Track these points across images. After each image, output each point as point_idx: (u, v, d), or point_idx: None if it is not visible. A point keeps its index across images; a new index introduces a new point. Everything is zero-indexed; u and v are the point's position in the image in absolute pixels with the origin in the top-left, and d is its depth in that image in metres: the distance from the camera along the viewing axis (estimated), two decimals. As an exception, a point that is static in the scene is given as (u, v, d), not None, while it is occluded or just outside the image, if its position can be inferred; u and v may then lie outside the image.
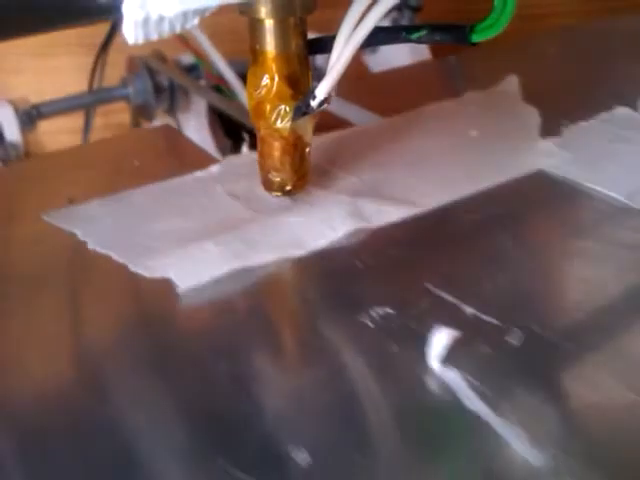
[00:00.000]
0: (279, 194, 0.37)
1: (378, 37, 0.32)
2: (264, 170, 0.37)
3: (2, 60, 0.95)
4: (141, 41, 0.25)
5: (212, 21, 0.32)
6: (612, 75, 0.56)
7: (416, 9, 0.96)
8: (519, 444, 0.23)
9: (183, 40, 0.89)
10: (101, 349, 0.29)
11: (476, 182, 0.39)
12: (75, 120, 0.95)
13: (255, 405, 0.25)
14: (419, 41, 0.32)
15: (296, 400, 0.26)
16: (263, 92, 0.34)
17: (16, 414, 0.26)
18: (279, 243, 0.34)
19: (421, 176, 0.40)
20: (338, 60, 0.32)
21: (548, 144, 0.42)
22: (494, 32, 0.30)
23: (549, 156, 0.41)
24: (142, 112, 1.00)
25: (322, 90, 0.33)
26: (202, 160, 0.43)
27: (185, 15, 0.26)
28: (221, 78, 0.84)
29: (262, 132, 0.36)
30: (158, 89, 0.96)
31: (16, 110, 0.85)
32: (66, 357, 0.29)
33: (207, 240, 0.34)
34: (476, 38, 0.31)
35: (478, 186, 0.38)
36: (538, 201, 0.38)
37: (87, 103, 0.94)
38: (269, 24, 0.33)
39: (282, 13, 0.33)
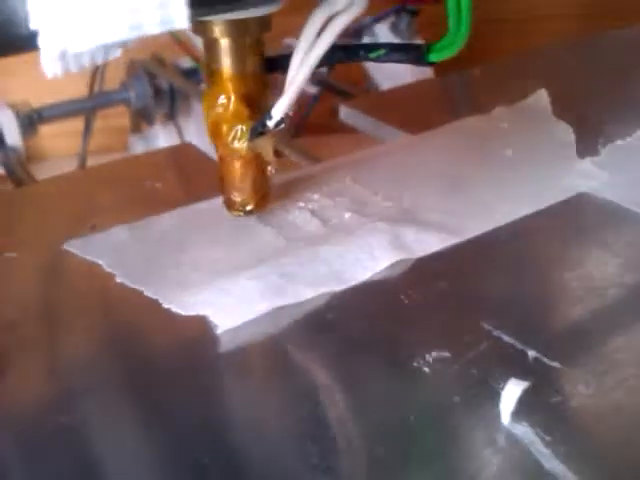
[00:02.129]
0: (240, 214, 0.36)
1: (336, 55, 0.32)
2: (225, 190, 0.36)
3: (1, 63, 0.93)
4: (60, 74, 0.24)
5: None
6: (637, 87, 0.54)
7: (414, 13, 0.95)
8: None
9: (182, 44, 0.87)
10: (130, 396, 0.27)
11: (517, 207, 0.37)
12: (74, 123, 0.93)
13: (305, 458, 0.23)
14: (377, 60, 0.32)
15: (345, 457, 0.24)
16: (220, 112, 0.34)
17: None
18: (317, 276, 0.32)
19: (457, 201, 0.38)
20: (295, 79, 0.31)
21: (587, 165, 0.40)
22: (450, 52, 0.30)
23: (589, 177, 0.39)
24: (142, 116, 0.99)
25: (278, 110, 0.32)
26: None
27: (106, 47, 0.25)
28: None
29: (221, 152, 0.35)
30: (158, 93, 0.95)
31: (17, 114, 0.84)
32: (90, 403, 0.27)
33: (241, 273, 0.32)
34: (433, 58, 0.31)
35: (518, 212, 0.37)
36: (583, 226, 0.36)
37: (88, 107, 0.92)
38: (224, 43, 0.32)
39: (237, 32, 0.32)
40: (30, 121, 0.86)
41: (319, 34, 0.30)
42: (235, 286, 0.31)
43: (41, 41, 0.23)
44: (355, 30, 0.93)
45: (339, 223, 0.36)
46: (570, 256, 0.34)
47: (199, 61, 0.92)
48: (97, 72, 0.92)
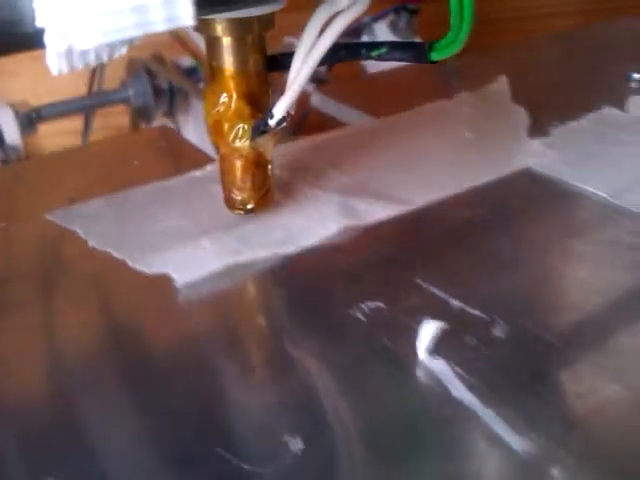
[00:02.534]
0: (241, 212, 0.37)
1: (339, 54, 0.32)
2: (226, 188, 0.36)
3: (1, 62, 0.96)
4: (65, 72, 0.24)
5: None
6: (600, 76, 0.57)
7: (413, 12, 0.97)
8: (504, 431, 0.24)
9: (182, 43, 0.90)
10: (101, 342, 0.30)
11: (464, 181, 0.40)
12: (74, 122, 0.96)
13: (247, 398, 0.26)
14: (379, 58, 0.32)
15: (288, 391, 0.27)
16: (221, 110, 0.34)
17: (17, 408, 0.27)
18: (272, 240, 0.35)
19: (412, 175, 0.41)
20: (296, 78, 0.31)
21: (536, 144, 0.43)
22: (453, 50, 0.30)
23: (537, 156, 0.42)
24: (142, 114, 1.01)
25: (280, 109, 0.32)
26: (199, 160, 0.44)
27: (112, 45, 0.25)
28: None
29: (222, 150, 0.35)
30: (157, 91, 0.97)
31: (16, 113, 0.86)
32: (65, 352, 0.30)
33: (203, 238, 0.35)
34: (435, 56, 0.31)
35: (466, 184, 0.39)
36: (526, 199, 0.39)
37: (87, 106, 0.95)
38: (226, 42, 0.33)
39: (239, 30, 0.32)
40: (29, 120, 0.88)
41: (321, 33, 0.30)
42: (196, 247, 0.34)
43: (47, 39, 0.23)
44: (354, 29, 0.95)
45: (298, 195, 0.39)
46: (510, 224, 0.37)
47: (199, 60, 0.95)
48: (96, 71, 0.94)
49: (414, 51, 0.31)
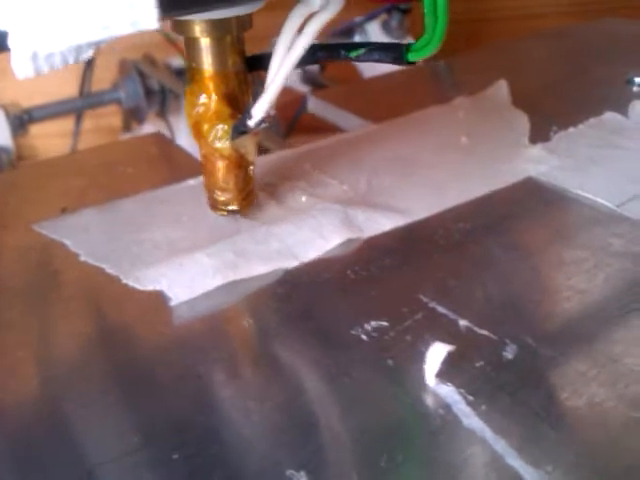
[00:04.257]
0: (224, 213, 0.36)
1: (317, 55, 0.32)
2: (209, 189, 0.36)
3: (-9, 64, 0.95)
4: (31, 75, 0.24)
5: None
6: (598, 78, 0.56)
7: (405, 11, 0.96)
8: (518, 464, 0.23)
9: (173, 43, 0.89)
10: (89, 361, 0.29)
11: (466, 191, 0.39)
12: (66, 123, 0.95)
13: (249, 421, 0.25)
14: (357, 59, 0.32)
15: (288, 413, 0.26)
16: (201, 111, 0.34)
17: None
18: (270, 253, 0.34)
19: (411, 184, 0.40)
20: (274, 79, 0.31)
21: (537, 150, 0.42)
22: (429, 51, 0.30)
23: (538, 163, 0.41)
24: (133, 115, 1.01)
25: (259, 109, 0.32)
26: (194, 168, 0.43)
27: (78, 48, 0.24)
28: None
29: (204, 151, 0.35)
30: (149, 92, 0.96)
31: (7, 114, 0.85)
32: (52, 371, 0.28)
33: (198, 250, 0.34)
34: (412, 57, 0.31)
35: (468, 195, 0.38)
36: (528, 209, 0.38)
37: (79, 107, 0.94)
38: (205, 42, 0.32)
39: (218, 31, 0.32)
40: (20, 121, 0.87)
41: (298, 33, 0.30)
42: (190, 262, 0.33)
43: (11, 42, 0.23)
44: (347, 28, 0.95)
45: (295, 205, 0.38)
46: (513, 236, 0.36)
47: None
48: (87, 72, 0.93)
49: (392, 52, 0.31)
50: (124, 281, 0.32)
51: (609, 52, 0.62)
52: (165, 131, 1.02)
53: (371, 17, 0.96)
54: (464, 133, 0.44)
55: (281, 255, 0.34)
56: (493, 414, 0.25)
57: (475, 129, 0.45)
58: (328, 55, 0.32)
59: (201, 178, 0.40)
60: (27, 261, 0.35)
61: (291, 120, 0.92)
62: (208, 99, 0.33)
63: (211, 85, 0.33)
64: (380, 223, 0.36)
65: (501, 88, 0.50)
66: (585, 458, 0.23)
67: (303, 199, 0.38)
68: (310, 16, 0.29)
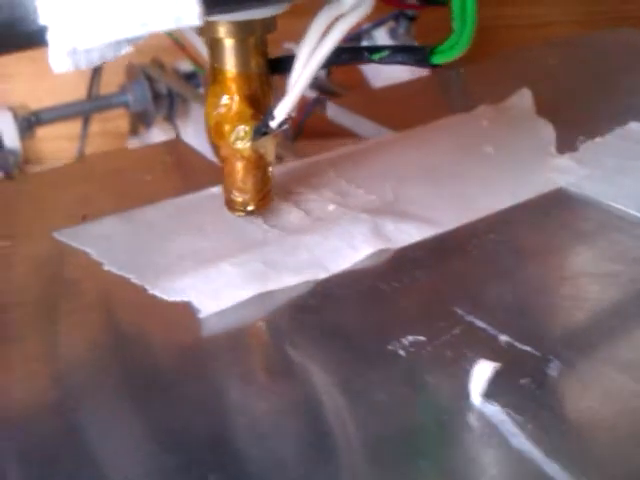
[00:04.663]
0: (242, 214, 0.36)
1: (341, 57, 0.32)
2: (227, 190, 0.36)
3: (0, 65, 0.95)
4: (69, 71, 0.24)
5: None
6: (622, 88, 0.55)
7: (412, 18, 0.96)
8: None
9: (182, 48, 0.88)
10: (116, 379, 0.28)
11: (496, 201, 0.38)
12: (73, 126, 0.94)
13: (284, 438, 0.24)
14: (381, 62, 0.32)
15: (322, 433, 0.25)
16: (222, 112, 0.34)
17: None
18: (299, 264, 0.33)
19: (439, 194, 0.39)
20: (298, 80, 0.31)
21: (565, 160, 0.41)
22: (454, 54, 0.30)
23: (567, 173, 0.40)
24: (141, 119, 1.00)
25: (281, 111, 0.32)
26: (214, 174, 0.42)
27: (116, 44, 0.24)
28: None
29: (223, 152, 0.35)
30: (157, 96, 0.96)
31: (15, 117, 0.85)
32: (73, 383, 0.28)
33: (225, 260, 0.33)
34: (436, 60, 0.31)
35: (498, 205, 0.38)
36: (559, 220, 0.37)
37: (87, 110, 0.93)
38: (228, 43, 0.32)
39: (242, 32, 0.32)
40: (28, 123, 0.86)
41: (323, 35, 0.30)
42: (218, 273, 0.32)
43: (50, 37, 0.23)
44: (355, 35, 0.94)
45: (322, 214, 0.37)
46: (546, 248, 0.35)
47: (199, 65, 0.93)
48: (96, 75, 0.93)
49: (415, 55, 0.31)
50: (150, 291, 0.32)
51: (628, 61, 0.62)
52: (172, 135, 1.02)
53: (378, 24, 0.95)
54: (489, 142, 0.44)
55: (311, 266, 0.33)
56: (541, 434, 0.24)
57: (500, 138, 0.44)
58: (352, 57, 0.33)
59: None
60: (48, 270, 0.34)
61: (298, 124, 0.92)
62: (230, 100, 0.33)
63: (234, 86, 0.33)
64: (410, 233, 0.35)
65: (524, 96, 0.50)
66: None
67: (330, 208, 0.37)
68: (335, 18, 0.29)
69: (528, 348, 0.27)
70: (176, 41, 0.86)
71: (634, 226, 0.36)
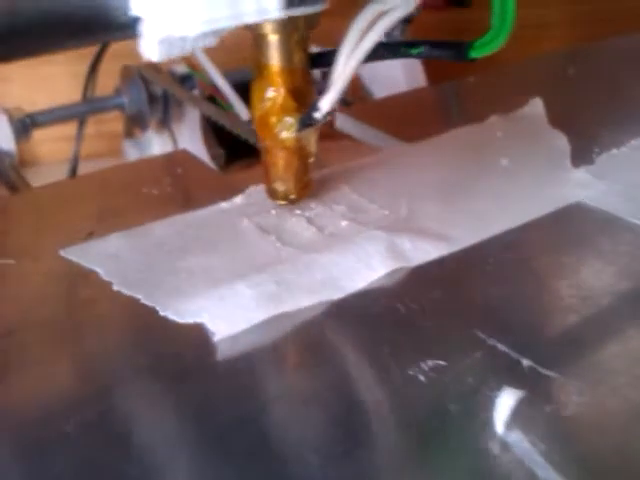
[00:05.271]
0: (283, 203, 0.38)
1: (380, 52, 0.33)
2: (268, 180, 0.38)
3: (-5, 69, 0.94)
4: (163, 58, 0.26)
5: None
6: (630, 97, 0.54)
7: (407, 21, 0.95)
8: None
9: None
10: (126, 402, 0.27)
11: (512, 217, 0.37)
12: (68, 128, 0.93)
13: (299, 467, 0.23)
14: (419, 56, 0.33)
15: (339, 465, 0.24)
16: (268, 105, 0.35)
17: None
18: (315, 284, 0.32)
19: (455, 210, 0.38)
20: (341, 74, 0.32)
21: (582, 174, 0.41)
22: (492, 49, 0.31)
23: (585, 187, 0.39)
24: (136, 121, 0.99)
25: (326, 103, 0.33)
26: (221, 187, 0.41)
27: (204, 35, 0.26)
28: (215, 88, 0.82)
29: (267, 143, 0.36)
30: (152, 99, 0.95)
31: (10, 119, 0.84)
32: (88, 410, 0.27)
33: (238, 280, 0.32)
34: (474, 54, 0.32)
35: (515, 221, 0.37)
36: (579, 236, 0.36)
37: (82, 112, 0.92)
38: (274, 39, 0.34)
39: (287, 29, 0.33)
40: (24, 126, 0.86)
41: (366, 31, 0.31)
42: (232, 293, 0.31)
43: (144, 27, 0.25)
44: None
45: (336, 231, 0.36)
46: (565, 265, 0.34)
47: (194, 68, 0.92)
48: (91, 77, 0.92)
49: (453, 49, 0.32)
50: (162, 313, 0.31)
51: (629, 67, 0.61)
52: (167, 137, 1.01)
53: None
54: (503, 154, 0.43)
55: (326, 286, 0.32)
56: (569, 465, 0.23)
57: (514, 150, 0.43)
58: (390, 52, 0.34)
59: (234, 201, 0.39)
60: (56, 290, 0.33)
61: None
62: (275, 93, 0.35)
63: (279, 80, 0.34)
64: (427, 251, 0.34)
65: (536, 106, 0.49)
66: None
67: (343, 224, 0.36)
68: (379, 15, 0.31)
69: (551, 373, 0.27)
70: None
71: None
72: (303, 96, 0.35)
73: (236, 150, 0.82)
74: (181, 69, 0.95)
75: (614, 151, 0.43)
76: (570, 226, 0.37)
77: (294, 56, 0.34)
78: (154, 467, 0.24)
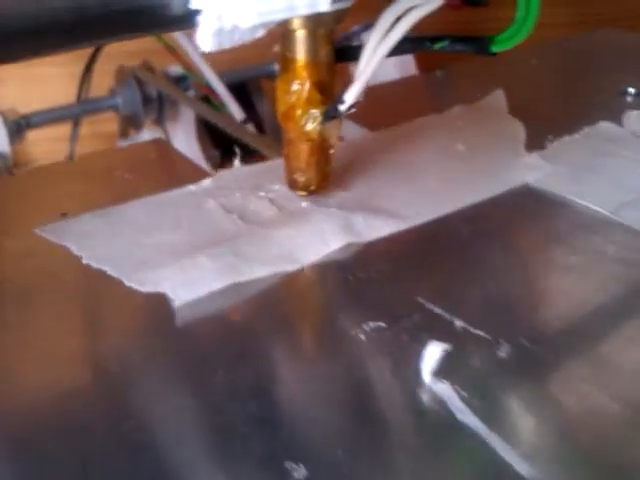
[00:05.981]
0: (304, 193, 0.39)
1: (403, 46, 0.34)
2: (290, 171, 0.39)
3: (-12, 70, 0.95)
4: (215, 49, 0.27)
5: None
6: (592, 88, 0.57)
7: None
8: (510, 456, 0.23)
9: (171, 51, 0.89)
10: (95, 364, 0.29)
11: (463, 197, 0.39)
12: (62, 129, 0.95)
13: (252, 419, 0.26)
14: (441, 50, 0.34)
15: (289, 414, 0.26)
16: (293, 98, 0.36)
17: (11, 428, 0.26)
18: (272, 257, 0.34)
19: (410, 190, 0.40)
20: (366, 67, 0.34)
21: (533, 158, 0.43)
22: (514, 43, 0.32)
23: (534, 170, 0.42)
24: (130, 122, 1.01)
25: (351, 95, 0.35)
26: (194, 174, 0.43)
27: (254, 27, 0.28)
28: (209, 89, 0.84)
29: (290, 135, 0.37)
30: (146, 100, 0.96)
31: (5, 120, 0.85)
32: (58, 374, 0.29)
33: (200, 254, 0.34)
34: (496, 48, 0.33)
35: (466, 201, 0.39)
36: (524, 215, 0.39)
37: (76, 113, 0.94)
38: (301, 34, 0.35)
39: (313, 24, 0.35)
40: (18, 127, 0.87)
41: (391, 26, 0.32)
42: (192, 264, 0.34)
43: (203, 19, 0.26)
44: (344, 37, 0.95)
45: (295, 210, 0.38)
46: (509, 241, 0.37)
47: (189, 68, 0.94)
48: (85, 78, 0.94)
49: (475, 43, 0.33)
50: (127, 284, 0.33)
51: (604, 62, 0.63)
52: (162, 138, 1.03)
53: (368, 27, 0.96)
54: (461, 141, 0.45)
55: (281, 259, 0.34)
56: (486, 410, 0.25)
57: (472, 137, 0.46)
58: (414, 46, 0.35)
59: (202, 184, 0.41)
60: (29, 264, 0.36)
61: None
62: (301, 86, 0.36)
63: (304, 73, 0.36)
64: (380, 228, 0.37)
65: (498, 97, 0.51)
66: (578, 453, 0.24)
67: (303, 204, 0.39)
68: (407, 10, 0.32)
69: (481, 332, 0.29)
70: (166, 45, 0.87)
71: (596, 221, 0.37)
72: (327, 89, 0.36)
73: (231, 151, 0.84)
74: (176, 70, 0.97)
75: (566, 138, 0.45)
76: (517, 205, 0.39)
77: (320, 50, 0.35)
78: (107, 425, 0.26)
